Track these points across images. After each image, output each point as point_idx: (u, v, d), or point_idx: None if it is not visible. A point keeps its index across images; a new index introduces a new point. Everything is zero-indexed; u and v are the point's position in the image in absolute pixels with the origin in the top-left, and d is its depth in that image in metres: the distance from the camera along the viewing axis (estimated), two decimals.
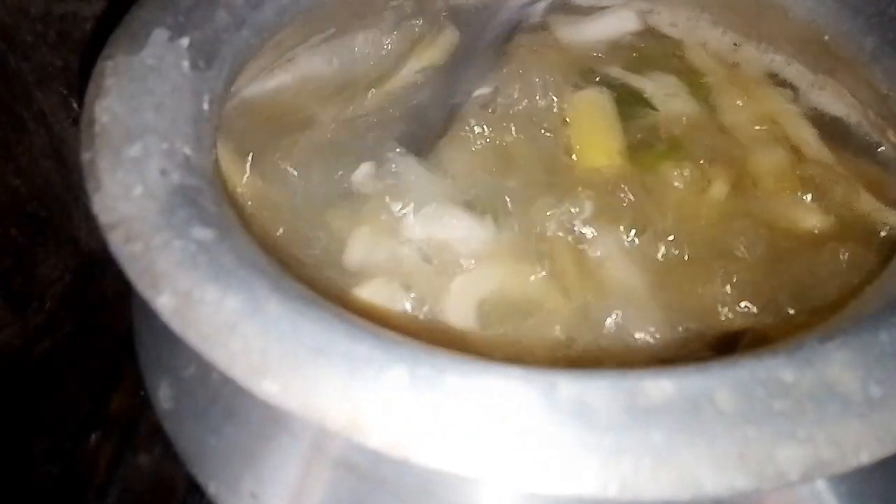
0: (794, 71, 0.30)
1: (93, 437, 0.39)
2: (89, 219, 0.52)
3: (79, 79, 0.44)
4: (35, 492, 0.42)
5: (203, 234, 0.17)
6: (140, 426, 0.37)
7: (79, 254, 0.53)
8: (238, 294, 0.16)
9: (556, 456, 0.14)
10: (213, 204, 0.19)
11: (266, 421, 0.20)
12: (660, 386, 0.15)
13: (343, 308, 0.16)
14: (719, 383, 0.15)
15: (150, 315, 0.23)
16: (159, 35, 0.22)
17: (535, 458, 0.14)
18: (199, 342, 0.15)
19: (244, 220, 0.21)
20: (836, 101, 0.29)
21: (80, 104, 0.47)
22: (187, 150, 0.20)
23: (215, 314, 0.15)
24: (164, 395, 0.22)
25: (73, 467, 0.40)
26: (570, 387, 0.14)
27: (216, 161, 0.21)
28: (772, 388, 0.14)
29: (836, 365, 0.15)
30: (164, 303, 0.16)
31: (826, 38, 0.27)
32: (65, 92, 0.46)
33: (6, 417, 0.45)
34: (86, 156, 0.18)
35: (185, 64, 0.22)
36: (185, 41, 0.22)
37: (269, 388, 0.14)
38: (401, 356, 0.15)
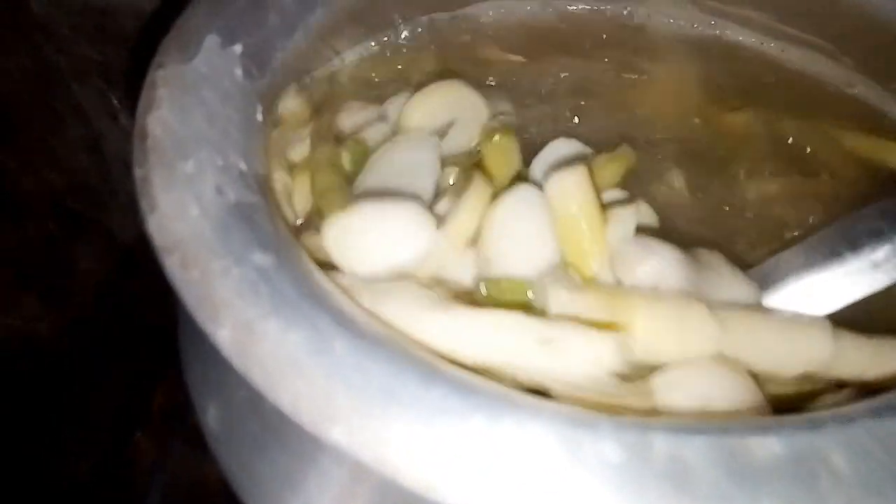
0: None
1: (135, 434, 0.39)
2: (125, 213, 0.51)
3: (127, 76, 0.43)
4: (73, 488, 0.41)
5: (262, 259, 0.16)
6: (183, 424, 0.37)
7: (115, 248, 0.53)
8: (302, 329, 0.15)
9: None
10: (268, 222, 0.18)
11: (319, 452, 0.19)
12: (766, 445, 0.13)
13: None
14: (833, 443, 0.13)
15: (199, 334, 0.22)
16: (211, 41, 0.21)
17: None
18: (262, 381, 0.14)
19: (297, 238, 0.20)
20: None
21: (119, 99, 0.46)
22: (241, 165, 0.19)
23: (279, 351, 0.14)
24: (212, 416, 0.21)
25: (113, 464, 0.40)
26: (666, 444, 0.13)
27: (268, 174, 0.20)
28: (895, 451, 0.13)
29: None
30: (224, 336, 0.15)
31: None
32: (102, 86, 0.46)
33: (41, 411, 0.45)
34: (139, 172, 0.17)
35: (238, 72, 0.21)
36: (237, 48, 0.21)
37: (338, 436, 0.13)
38: (478, 405, 0.14)
